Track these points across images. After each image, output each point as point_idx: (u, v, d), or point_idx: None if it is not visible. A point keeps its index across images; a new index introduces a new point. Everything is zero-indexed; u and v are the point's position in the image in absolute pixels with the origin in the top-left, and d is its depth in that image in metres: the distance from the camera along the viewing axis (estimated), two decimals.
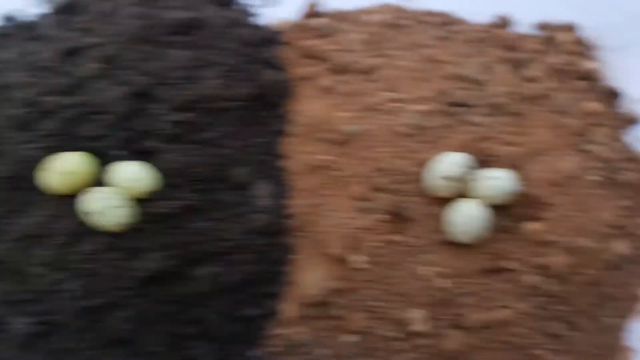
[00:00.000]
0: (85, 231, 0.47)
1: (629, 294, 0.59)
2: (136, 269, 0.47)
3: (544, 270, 0.53)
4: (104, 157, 0.49)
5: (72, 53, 0.53)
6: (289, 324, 0.53)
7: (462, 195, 0.52)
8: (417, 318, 0.51)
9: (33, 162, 0.48)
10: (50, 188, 0.48)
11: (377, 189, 0.53)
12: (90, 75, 0.51)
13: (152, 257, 0.48)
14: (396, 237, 0.52)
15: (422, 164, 0.53)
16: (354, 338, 0.53)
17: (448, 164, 0.51)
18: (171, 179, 0.49)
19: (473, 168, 0.52)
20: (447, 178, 0.50)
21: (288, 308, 0.53)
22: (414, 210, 0.52)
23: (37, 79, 0.51)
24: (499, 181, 0.51)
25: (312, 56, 0.59)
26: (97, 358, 0.48)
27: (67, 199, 0.48)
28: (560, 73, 0.62)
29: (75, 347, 0.48)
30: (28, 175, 0.48)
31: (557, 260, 0.52)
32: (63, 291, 0.47)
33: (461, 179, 0.51)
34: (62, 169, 0.47)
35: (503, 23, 0.65)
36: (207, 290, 0.50)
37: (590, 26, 0.66)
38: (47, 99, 0.50)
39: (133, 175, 0.48)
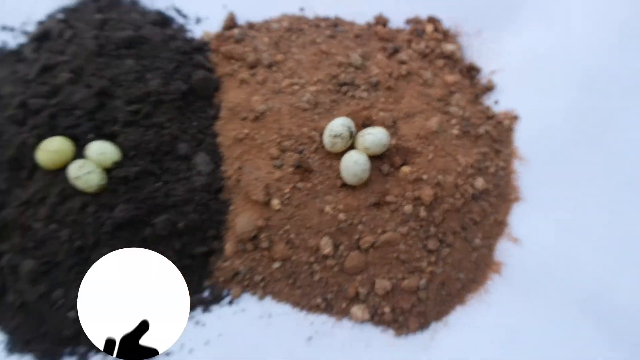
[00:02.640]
0: (71, 193, 0.71)
1: (492, 221, 0.85)
2: (109, 219, 0.71)
3: (417, 201, 0.78)
4: (80, 140, 0.73)
5: (48, 69, 0.78)
6: (229, 258, 0.78)
7: (350, 149, 0.78)
8: (325, 244, 0.76)
9: (28, 147, 0.73)
10: (43, 165, 0.72)
11: (285, 150, 0.78)
12: (64, 83, 0.76)
13: (121, 210, 0.72)
14: (302, 185, 0.77)
15: (318, 129, 0.79)
16: (278, 264, 0.77)
17: (335, 126, 0.76)
18: (129, 153, 0.74)
19: (357, 128, 0.78)
20: (337, 136, 0.76)
21: (228, 246, 0.78)
22: (314, 163, 0.78)
23: (24, 89, 0.77)
24: (376, 136, 0.77)
25: (232, 57, 0.86)
26: None
27: (56, 172, 0.72)
28: (426, 55, 0.89)
29: (69, 280, 0.72)
30: (25, 157, 0.73)
31: (426, 193, 0.77)
32: (57, 238, 0.71)
33: (347, 137, 0.76)
34: (50, 150, 0.71)
35: (381, 21, 0.92)
36: (164, 233, 0.73)
37: (449, 17, 0.93)
38: (34, 101, 0.74)
39: (102, 151, 0.72)
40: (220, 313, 0.76)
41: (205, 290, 0.76)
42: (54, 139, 0.71)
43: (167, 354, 0.73)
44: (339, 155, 0.76)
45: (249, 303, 0.76)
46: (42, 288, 0.70)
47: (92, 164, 0.70)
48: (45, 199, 0.71)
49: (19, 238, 0.71)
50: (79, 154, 0.72)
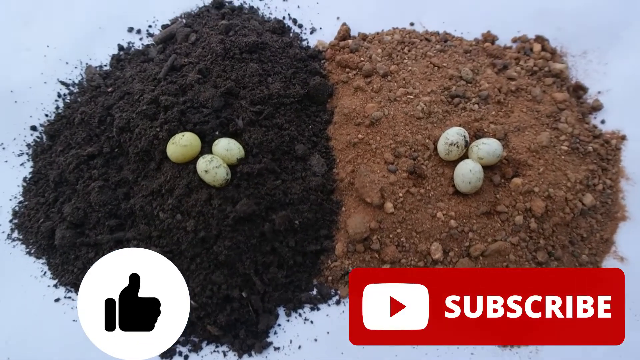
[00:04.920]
0: (197, 186, 0.76)
1: (599, 238, 0.87)
2: (232, 212, 0.76)
3: (527, 212, 0.81)
4: (207, 136, 0.79)
5: (176, 69, 0.85)
6: (339, 258, 0.82)
7: (463, 158, 0.82)
8: (435, 250, 0.80)
9: (159, 141, 0.78)
10: (172, 158, 0.78)
11: (400, 156, 0.82)
12: (192, 82, 0.82)
13: (243, 204, 0.76)
14: (415, 190, 0.81)
15: (432, 137, 0.83)
16: (388, 266, 0.81)
17: (451, 135, 0.81)
18: (252, 151, 0.79)
19: (469, 138, 0.82)
20: (453, 144, 0.80)
21: (338, 246, 0.82)
22: (428, 169, 0.82)
23: (153, 87, 0.83)
24: (491, 146, 0.80)
25: (347, 66, 0.91)
26: (206, 277, 0.77)
27: (183, 165, 0.77)
28: (534, 73, 0.93)
29: (190, 269, 0.77)
30: (155, 150, 0.79)
31: (536, 205, 0.81)
32: (182, 228, 0.76)
33: (463, 145, 0.80)
34: (181, 144, 0.77)
35: (489, 39, 0.97)
36: (281, 229, 0.78)
37: (554, 38, 0.97)
38: (165, 98, 0.81)
39: (228, 147, 0.77)
40: (328, 311, 0.80)
41: (313, 288, 0.80)
42: (185, 134, 0.77)
43: (276, 348, 0.77)
44: (451, 163, 0.80)
45: None
46: None
47: (219, 159, 0.75)
48: (173, 190, 0.76)
49: (144, 226, 0.76)
50: (204, 149, 0.77)
